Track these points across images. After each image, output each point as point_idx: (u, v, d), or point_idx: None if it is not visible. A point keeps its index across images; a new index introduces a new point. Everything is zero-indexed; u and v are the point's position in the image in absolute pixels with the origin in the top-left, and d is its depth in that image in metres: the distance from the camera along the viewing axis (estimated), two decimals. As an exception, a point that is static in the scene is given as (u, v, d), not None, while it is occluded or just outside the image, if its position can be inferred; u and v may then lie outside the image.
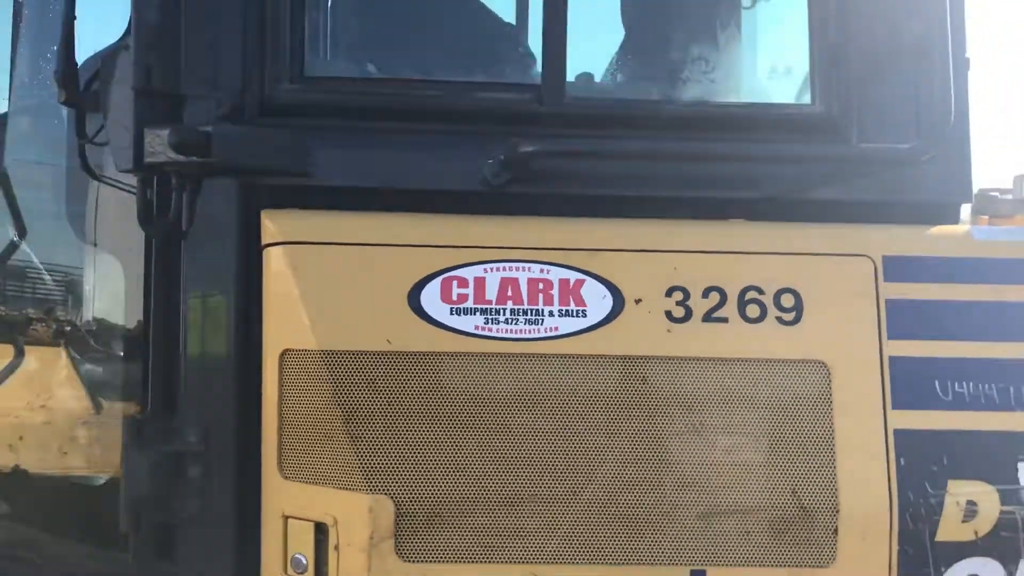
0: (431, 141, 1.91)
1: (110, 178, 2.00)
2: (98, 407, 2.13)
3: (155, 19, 1.79)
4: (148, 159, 1.78)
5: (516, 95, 1.97)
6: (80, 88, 1.94)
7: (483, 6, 2.57)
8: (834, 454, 1.79)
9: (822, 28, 1.97)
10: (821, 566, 1.78)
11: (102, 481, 2.04)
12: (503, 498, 1.73)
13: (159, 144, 1.79)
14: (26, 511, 2.19)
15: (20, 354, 2.23)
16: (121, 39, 1.94)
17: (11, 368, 2.21)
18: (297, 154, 1.87)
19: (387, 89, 2.01)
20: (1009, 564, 1.81)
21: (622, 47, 2.46)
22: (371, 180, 1.89)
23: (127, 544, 1.88)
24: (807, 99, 2.03)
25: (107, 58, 1.90)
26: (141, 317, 1.93)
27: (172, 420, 1.85)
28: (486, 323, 1.77)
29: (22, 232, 2.28)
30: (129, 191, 1.95)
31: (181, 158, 1.78)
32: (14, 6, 2.50)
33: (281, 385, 1.78)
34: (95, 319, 2.20)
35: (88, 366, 2.15)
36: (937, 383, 1.82)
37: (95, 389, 2.13)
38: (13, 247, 2.31)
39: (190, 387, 1.87)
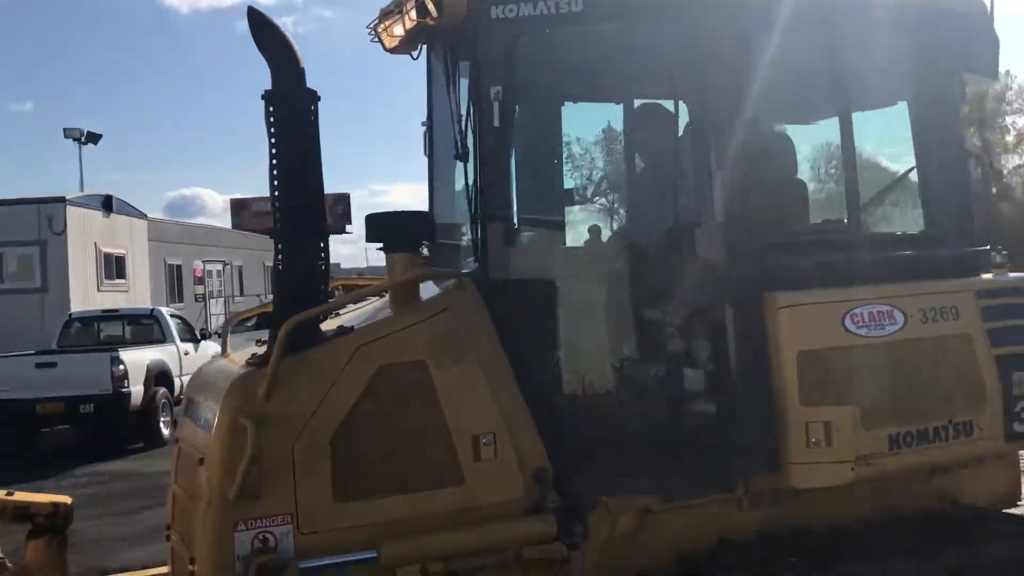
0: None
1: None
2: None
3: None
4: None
5: (838, 233, 4.50)
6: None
7: None
8: None
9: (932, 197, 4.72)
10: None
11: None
12: (896, 396, 4.23)
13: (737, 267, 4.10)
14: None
15: None
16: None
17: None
18: (777, 267, 4.24)
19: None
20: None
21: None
22: (798, 273, 4.29)
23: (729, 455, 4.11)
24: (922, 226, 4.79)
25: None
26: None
27: (741, 394, 4.12)
28: (868, 332, 4.27)
29: None
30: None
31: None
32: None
33: (799, 368, 4.13)
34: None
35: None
36: None
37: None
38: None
39: (745, 377, 4.15)
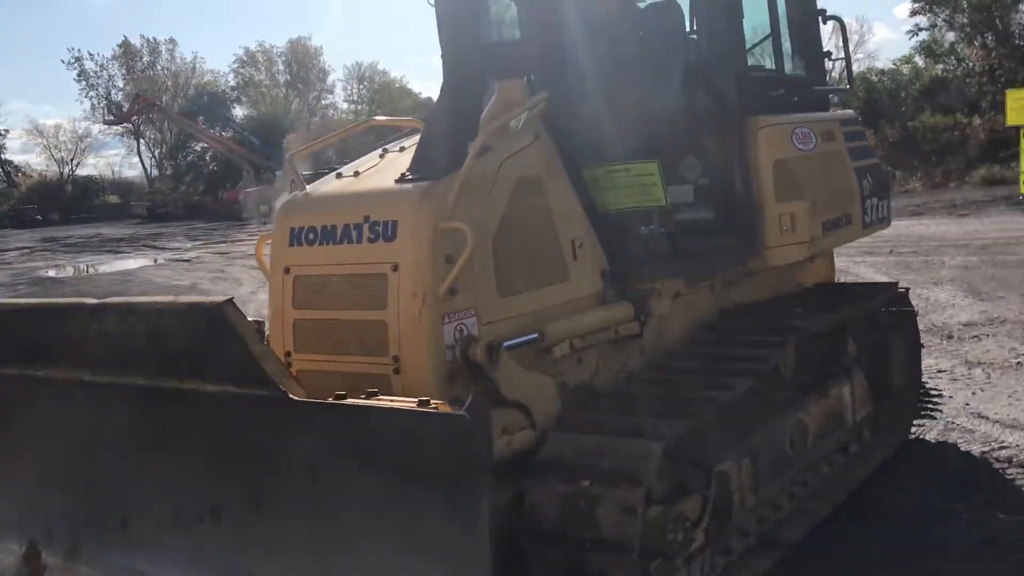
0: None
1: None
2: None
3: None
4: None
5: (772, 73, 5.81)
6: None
7: None
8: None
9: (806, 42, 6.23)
10: None
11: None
12: (821, 195, 5.71)
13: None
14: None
15: None
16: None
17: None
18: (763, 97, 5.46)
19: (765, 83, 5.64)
20: None
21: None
22: (762, 104, 5.54)
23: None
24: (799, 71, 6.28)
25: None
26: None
27: (736, 198, 5.31)
28: (803, 147, 5.67)
29: None
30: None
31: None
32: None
33: (774, 172, 5.41)
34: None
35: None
36: None
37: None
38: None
39: (741, 183, 5.34)
